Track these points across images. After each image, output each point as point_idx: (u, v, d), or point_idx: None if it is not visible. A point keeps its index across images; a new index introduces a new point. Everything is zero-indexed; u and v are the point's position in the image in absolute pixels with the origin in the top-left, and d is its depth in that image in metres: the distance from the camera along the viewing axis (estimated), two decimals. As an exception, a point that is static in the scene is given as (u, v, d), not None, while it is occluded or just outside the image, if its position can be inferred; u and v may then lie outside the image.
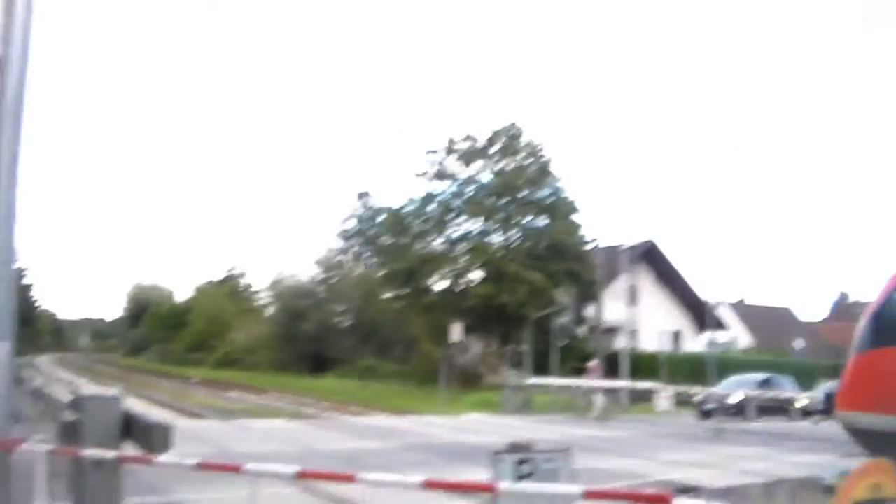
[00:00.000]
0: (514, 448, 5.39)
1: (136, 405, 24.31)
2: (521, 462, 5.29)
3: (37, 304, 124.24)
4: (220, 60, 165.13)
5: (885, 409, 13.08)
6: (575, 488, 4.37)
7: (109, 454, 7.59)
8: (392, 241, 65.94)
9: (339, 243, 74.11)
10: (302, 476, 5.53)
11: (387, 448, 19.50)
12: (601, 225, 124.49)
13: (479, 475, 12.51)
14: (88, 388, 9.60)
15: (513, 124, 59.44)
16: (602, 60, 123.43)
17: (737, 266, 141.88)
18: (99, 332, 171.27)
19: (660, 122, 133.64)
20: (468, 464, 16.56)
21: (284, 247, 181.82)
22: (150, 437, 8.16)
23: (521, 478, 5.25)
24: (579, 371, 41.50)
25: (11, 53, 7.62)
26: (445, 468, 15.82)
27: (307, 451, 18.02)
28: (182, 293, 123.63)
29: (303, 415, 30.00)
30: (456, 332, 38.88)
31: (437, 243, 60.67)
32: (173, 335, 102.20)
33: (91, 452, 7.54)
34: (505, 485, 4.68)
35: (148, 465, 6.84)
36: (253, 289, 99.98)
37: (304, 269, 78.99)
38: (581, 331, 52.12)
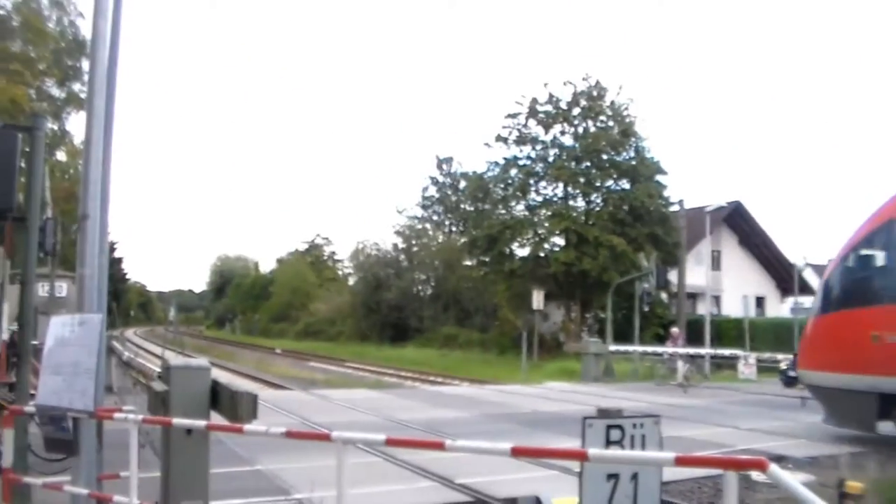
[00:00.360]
0: (604, 414, 5.31)
1: (221, 376, 24.82)
2: (611, 428, 5.21)
3: (127, 278, 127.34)
4: (298, 32, 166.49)
5: (832, 368, 15.57)
6: (666, 455, 4.28)
7: (198, 423, 7.71)
8: (473, 207, 65.82)
9: (420, 211, 74.43)
10: (391, 443, 5.54)
11: (468, 417, 19.57)
12: (686, 186, 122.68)
13: (563, 444, 12.45)
14: (177, 359, 9.78)
15: (596, 83, 58.55)
16: (687, 17, 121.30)
17: (823, 228, 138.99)
18: (185, 304, 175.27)
19: (747, 81, 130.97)
20: (551, 433, 16.55)
21: (366, 216, 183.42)
22: (237, 406, 8.28)
23: (610, 444, 5.17)
24: (661, 338, 41.03)
25: (103, 28, 7.72)
26: (529, 437, 15.83)
27: (389, 421, 18.19)
28: (266, 264, 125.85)
29: (384, 384, 30.24)
30: (537, 299, 38.69)
31: (519, 209, 60.36)
32: (256, 306, 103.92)
33: (180, 421, 7.68)
34: (595, 451, 4.60)
35: (237, 433, 6.90)
36: (336, 257, 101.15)
37: (385, 238, 79.45)
38: (663, 296, 51.46)
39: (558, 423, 17.84)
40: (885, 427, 14.77)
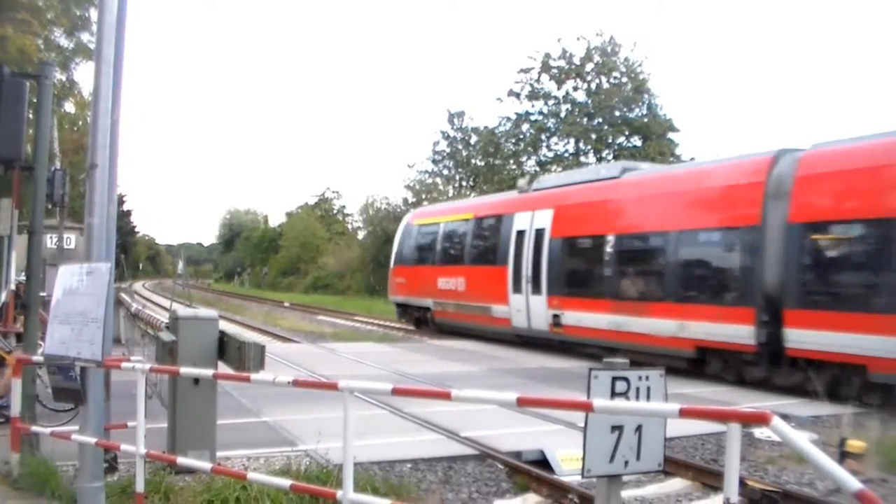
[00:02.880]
0: (610, 366, 5.34)
1: (229, 328, 24.92)
2: (617, 380, 5.25)
3: (136, 231, 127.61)
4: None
5: (406, 295, 32.94)
6: (671, 406, 4.32)
7: (205, 372, 7.78)
8: (484, 162, 65.65)
9: (430, 166, 74.01)
10: (397, 393, 5.58)
11: (476, 371, 19.67)
12: (698, 144, 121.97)
13: (563, 394, 12.53)
14: (184, 310, 9.85)
15: (610, 39, 58.10)
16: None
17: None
18: (194, 257, 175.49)
19: (761, 35, 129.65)
20: (558, 387, 16.64)
21: (377, 170, 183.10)
22: (245, 356, 8.37)
23: (615, 395, 5.21)
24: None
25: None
26: (536, 391, 15.92)
27: (396, 374, 18.29)
28: (275, 218, 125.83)
29: (392, 338, 30.34)
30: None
31: (530, 164, 60.20)
32: (265, 260, 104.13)
33: (188, 370, 7.74)
34: (600, 401, 4.64)
35: (245, 381, 6.96)
36: (346, 211, 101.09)
37: (395, 192, 79.25)
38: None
39: (567, 379, 17.93)
40: None
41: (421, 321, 32.97)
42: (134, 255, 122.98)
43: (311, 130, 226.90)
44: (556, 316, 23.74)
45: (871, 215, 15.22)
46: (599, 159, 56.15)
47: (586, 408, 4.63)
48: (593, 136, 56.54)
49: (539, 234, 24.88)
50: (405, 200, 71.81)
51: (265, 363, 8.43)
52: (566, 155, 57.99)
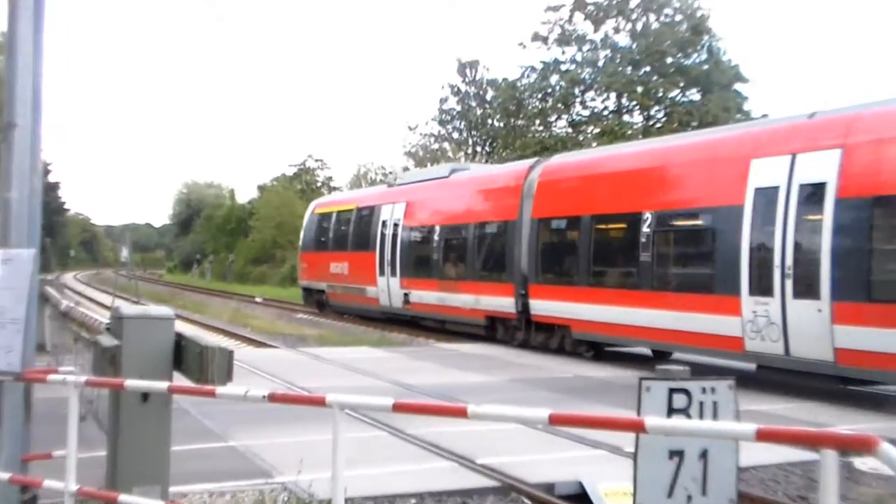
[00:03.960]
0: (666, 375, 5.26)
1: (188, 329, 24.89)
2: (675, 392, 5.17)
3: (66, 208, 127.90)
4: None
5: (308, 279, 44.63)
6: (746, 426, 4.23)
7: (158, 385, 7.70)
8: (503, 123, 65.52)
9: (437, 128, 74.00)
10: (399, 409, 5.52)
11: (495, 383, 19.66)
12: (771, 98, 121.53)
13: (607, 411, 12.45)
14: (130, 308, 9.76)
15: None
16: None
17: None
18: (142, 241, 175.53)
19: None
20: (599, 402, 16.60)
21: (370, 135, 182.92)
22: (207, 365, 8.26)
23: (673, 412, 5.14)
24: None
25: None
26: (570, 407, 15.87)
27: (397, 386, 18.29)
28: (245, 193, 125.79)
29: (390, 341, 30.39)
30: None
31: (560, 125, 60.09)
32: (232, 244, 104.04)
33: (134, 383, 7.67)
34: (654, 420, 4.56)
35: (208, 397, 6.91)
36: (333, 184, 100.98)
37: (393, 161, 79.18)
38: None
39: (609, 391, 17.90)
40: None
41: (321, 304, 43.71)
42: (64, 240, 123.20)
43: (288, 88, 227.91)
44: (406, 294, 34.32)
45: (574, 213, 25.83)
46: (647, 118, 56.03)
47: (637, 428, 4.57)
48: (639, 90, 56.30)
49: (396, 224, 35.38)
50: (406, 170, 71.90)
51: (233, 373, 8.36)
52: (605, 113, 57.86)
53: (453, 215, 32.40)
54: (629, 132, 54.33)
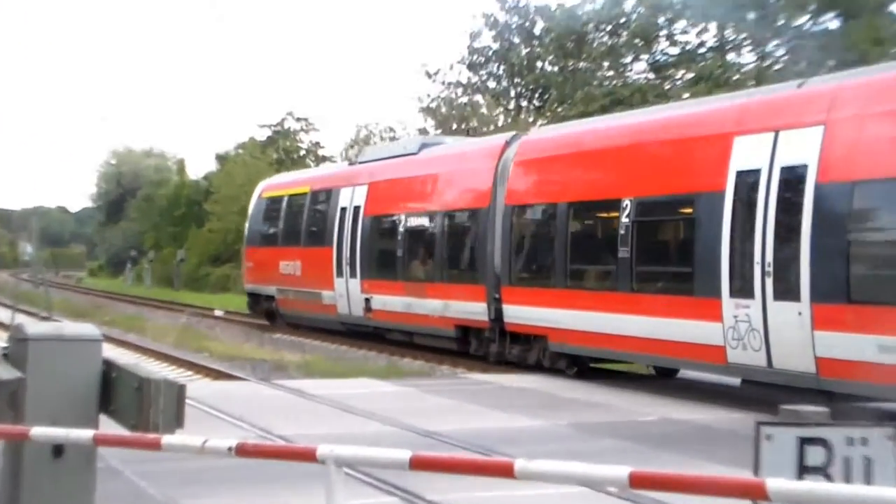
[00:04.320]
0: (796, 419, 5.23)
1: (120, 356, 24.97)
2: (808, 443, 5.13)
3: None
4: None
5: (255, 282, 47.55)
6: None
7: (77, 434, 7.69)
8: (558, 66, 65.39)
9: (466, 74, 73.83)
10: (419, 465, 5.50)
11: (546, 427, 19.70)
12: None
13: (710, 470, 12.37)
14: (37, 325, 9.79)
15: None
16: None
17: None
18: (53, 232, 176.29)
19: None
20: (692, 456, 16.58)
21: (371, 85, 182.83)
22: (149, 405, 8.26)
23: (808, 470, 5.10)
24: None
25: None
26: (650, 461, 15.81)
27: (414, 434, 18.32)
28: (198, 165, 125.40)
29: (402, 371, 30.46)
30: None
31: (638, 69, 59.99)
32: (181, 236, 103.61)
33: (44, 432, 7.68)
34: (778, 483, 4.52)
35: (149, 449, 6.93)
36: (322, 151, 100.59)
37: (405, 120, 78.91)
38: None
39: (711, 441, 17.87)
40: None
41: (270, 313, 46.03)
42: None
43: (256, 22, 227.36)
44: (367, 300, 36.26)
45: (551, 200, 29.01)
46: (762, 58, 55.79)
47: (754, 493, 4.55)
48: (750, 16, 55.97)
49: (356, 212, 37.43)
50: (423, 133, 71.88)
51: (184, 416, 8.36)
52: (702, 52, 57.62)
53: (421, 201, 35.12)
54: (736, 77, 53.98)
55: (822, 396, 19.06)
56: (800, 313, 19.85)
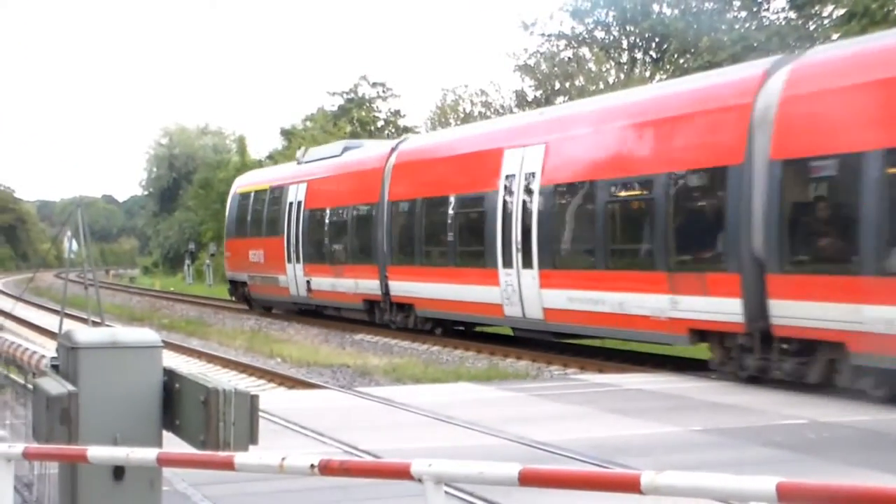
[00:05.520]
0: None
1: (182, 364, 25.03)
2: None
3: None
4: None
5: (233, 270, 64.41)
6: None
7: (141, 455, 7.70)
8: (678, 11, 64.92)
9: (570, 24, 73.37)
10: (528, 481, 5.53)
11: (677, 434, 19.60)
12: None
13: (877, 481, 12.15)
14: (88, 332, 9.81)
15: None
16: None
17: None
18: (99, 225, 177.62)
19: None
20: (863, 464, 16.43)
21: (457, 44, 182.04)
22: (217, 419, 8.28)
23: None
24: None
25: None
26: (820, 470, 15.68)
27: (522, 446, 18.28)
28: (262, 143, 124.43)
29: (504, 373, 30.42)
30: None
31: (777, 8, 59.42)
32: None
33: (102, 453, 7.71)
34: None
35: (220, 469, 6.98)
36: (402, 120, 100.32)
37: (499, 81, 78.54)
38: None
39: (877, 448, 17.73)
40: None
41: (247, 299, 60.78)
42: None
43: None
44: (308, 282, 49.78)
45: (413, 196, 42.47)
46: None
47: None
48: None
49: (299, 206, 50.99)
50: (520, 96, 71.70)
51: (258, 431, 8.37)
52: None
53: (340, 197, 49.27)
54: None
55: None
56: (534, 277, 34.31)
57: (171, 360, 23.17)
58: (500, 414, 21.66)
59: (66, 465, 8.53)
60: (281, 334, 45.87)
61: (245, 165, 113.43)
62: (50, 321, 47.18)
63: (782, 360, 25.70)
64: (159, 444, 8.61)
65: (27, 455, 7.87)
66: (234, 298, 63.23)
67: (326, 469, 6.43)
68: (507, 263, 35.52)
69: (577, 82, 66.06)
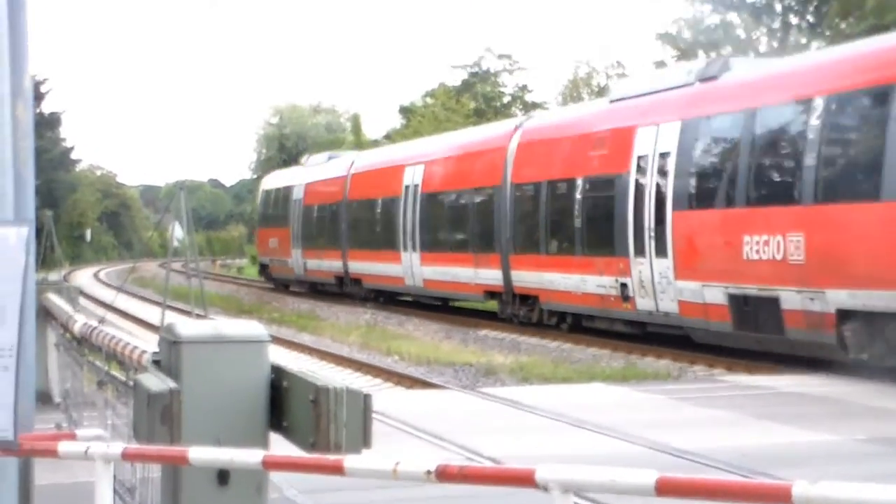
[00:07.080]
0: None
1: (290, 360, 25.20)
2: None
3: (75, 158, 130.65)
4: None
5: (262, 255, 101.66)
6: None
7: (245, 457, 7.75)
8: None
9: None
10: (668, 491, 5.50)
11: (835, 443, 19.48)
12: None
13: None
14: (192, 325, 9.82)
15: None
16: None
17: None
18: (206, 212, 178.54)
19: None
20: None
21: (595, 11, 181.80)
22: (327, 420, 8.31)
23: None
24: None
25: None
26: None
27: (659, 453, 18.28)
28: (378, 122, 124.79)
29: (642, 373, 30.38)
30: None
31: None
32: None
33: (205, 454, 7.76)
34: None
35: (330, 474, 7.02)
36: (530, 97, 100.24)
37: (639, 54, 78.21)
38: None
39: None
40: None
41: (273, 279, 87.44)
42: (74, 211, 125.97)
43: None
44: (305, 263, 75.98)
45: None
46: None
47: None
48: None
49: (298, 203, 78.14)
50: (660, 67, 71.41)
51: (371, 434, 8.39)
52: None
53: (320, 196, 74.85)
54: None
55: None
56: (418, 257, 53.46)
57: (281, 356, 23.34)
58: (637, 418, 21.63)
59: (169, 469, 8.58)
60: (398, 329, 46.01)
61: (360, 145, 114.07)
62: (152, 314, 47.61)
63: (521, 309, 45.85)
64: (265, 445, 8.64)
65: (126, 456, 7.91)
66: (262, 278, 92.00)
67: (444, 475, 6.42)
68: (406, 248, 54.13)
69: (723, 51, 65.62)
